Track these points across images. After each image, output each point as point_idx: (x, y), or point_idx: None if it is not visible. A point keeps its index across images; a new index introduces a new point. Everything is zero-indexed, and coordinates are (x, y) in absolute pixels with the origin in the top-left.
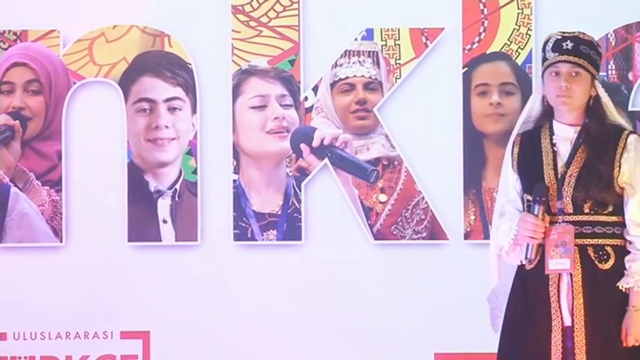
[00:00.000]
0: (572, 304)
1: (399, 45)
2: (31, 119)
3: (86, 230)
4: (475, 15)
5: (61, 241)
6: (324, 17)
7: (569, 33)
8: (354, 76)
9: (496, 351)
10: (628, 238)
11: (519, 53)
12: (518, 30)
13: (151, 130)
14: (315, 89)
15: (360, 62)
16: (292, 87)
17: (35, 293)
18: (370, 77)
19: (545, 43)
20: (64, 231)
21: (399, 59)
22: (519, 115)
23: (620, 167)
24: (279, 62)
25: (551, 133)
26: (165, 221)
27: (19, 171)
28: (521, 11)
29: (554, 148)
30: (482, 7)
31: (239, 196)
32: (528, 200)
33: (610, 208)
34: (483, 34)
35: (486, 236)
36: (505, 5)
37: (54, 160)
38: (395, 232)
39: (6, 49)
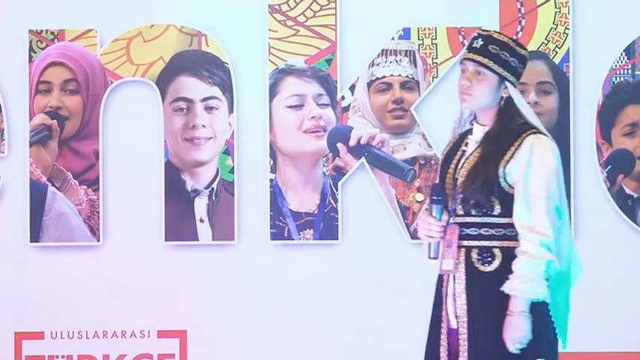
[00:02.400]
0: (456, 306)
1: (436, 44)
2: (69, 119)
3: (123, 229)
4: (512, 14)
5: (98, 241)
6: (361, 16)
7: (485, 32)
8: (391, 75)
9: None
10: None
11: (557, 52)
12: (555, 29)
13: (188, 129)
14: (352, 88)
15: (397, 61)
16: (329, 86)
17: (72, 292)
18: (407, 76)
19: None
20: (101, 230)
21: (436, 58)
22: (556, 114)
23: (505, 167)
24: (316, 61)
25: (470, 134)
26: (202, 220)
27: (57, 170)
28: (558, 10)
29: (464, 149)
30: (519, 6)
31: (276, 196)
32: None
33: (499, 210)
34: (520, 33)
35: None
36: (542, 4)
37: (91, 159)
38: None
39: (43, 49)
